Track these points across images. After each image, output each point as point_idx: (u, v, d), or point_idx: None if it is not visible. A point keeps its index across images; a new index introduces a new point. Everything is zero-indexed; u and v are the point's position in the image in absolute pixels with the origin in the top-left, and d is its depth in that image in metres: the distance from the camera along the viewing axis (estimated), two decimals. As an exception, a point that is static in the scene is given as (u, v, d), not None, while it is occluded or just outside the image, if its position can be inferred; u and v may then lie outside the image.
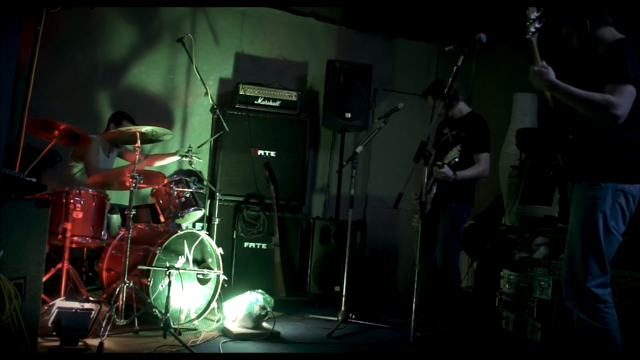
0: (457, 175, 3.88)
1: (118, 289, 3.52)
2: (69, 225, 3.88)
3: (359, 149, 4.35)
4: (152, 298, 3.66)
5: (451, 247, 4.03)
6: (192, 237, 3.96)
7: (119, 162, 5.02)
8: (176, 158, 4.85)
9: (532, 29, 2.72)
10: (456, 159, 3.71)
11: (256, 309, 3.79)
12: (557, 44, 3.05)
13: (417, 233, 4.29)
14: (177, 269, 3.71)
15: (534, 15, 2.71)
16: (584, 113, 2.65)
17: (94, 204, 4.02)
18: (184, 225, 4.19)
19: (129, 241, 3.61)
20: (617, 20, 2.84)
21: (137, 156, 3.73)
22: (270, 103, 5.50)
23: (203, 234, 4.00)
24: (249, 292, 3.91)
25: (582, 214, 2.71)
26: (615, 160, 2.67)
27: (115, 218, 4.56)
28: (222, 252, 4.07)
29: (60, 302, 3.23)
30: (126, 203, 3.79)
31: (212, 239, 4.19)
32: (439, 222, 4.12)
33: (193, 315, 3.88)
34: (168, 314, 3.40)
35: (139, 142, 3.71)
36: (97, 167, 4.53)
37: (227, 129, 4.86)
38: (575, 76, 2.85)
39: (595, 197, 2.66)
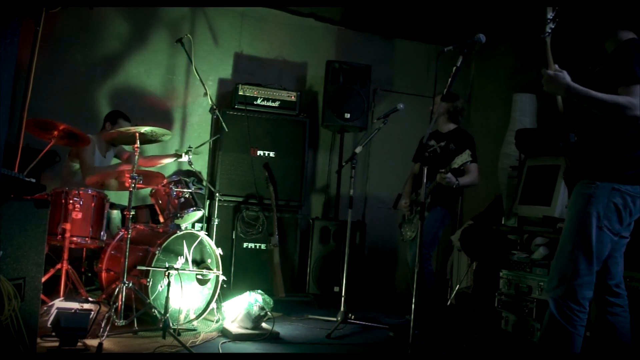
0: (460, 181, 4.10)
1: (117, 289, 3.52)
2: (68, 226, 3.87)
3: (358, 150, 4.36)
4: (151, 298, 3.66)
5: (428, 244, 4.28)
6: (191, 237, 3.95)
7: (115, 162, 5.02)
8: (171, 159, 4.83)
9: (548, 29, 2.73)
10: (468, 162, 3.85)
11: (255, 310, 3.79)
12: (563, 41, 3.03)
13: (408, 241, 4.39)
14: (177, 269, 3.71)
15: (550, 15, 2.72)
16: (602, 114, 2.64)
17: (93, 204, 4.02)
18: (183, 226, 4.18)
19: (128, 241, 3.61)
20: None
21: (137, 157, 3.73)
22: (270, 103, 5.50)
23: (202, 235, 4.00)
24: (248, 292, 3.91)
25: (576, 211, 2.72)
26: (616, 160, 2.67)
27: (116, 214, 4.57)
28: (222, 253, 4.07)
29: (59, 303, 3.23)
30: (126, 203, 3.79)
31: (212, 239, 4.19)
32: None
33: (192, 316, 3.88)
34: (167, 315, 3.40)
35: (138, 142, 3.71)
36: (92, 165, 4.53)
37: (227, 130, 4.86)
38: (580, 72, 2.84)
39: (590, 196, 2.66)
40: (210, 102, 4.75)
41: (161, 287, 3.69)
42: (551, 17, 2.72)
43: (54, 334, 3.15)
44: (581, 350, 2.70)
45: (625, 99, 2.56)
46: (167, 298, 3.45)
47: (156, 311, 3.57)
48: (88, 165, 4.51)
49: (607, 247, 2.69)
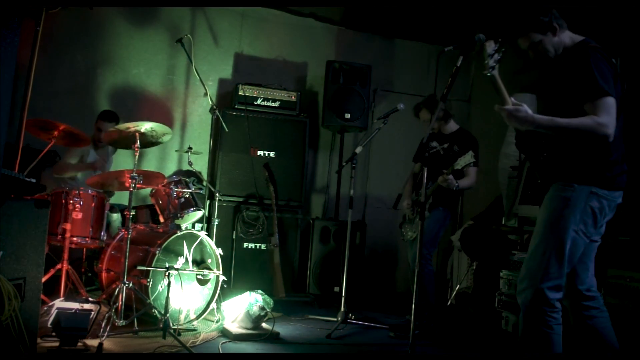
0: (459, 184, 4.09)
1: (117, 289, 3.52)
2: (68, 226, 3.88)
3: (358, 150, 4.36)
4: (151, 299, 3.66)
5: (429, 244, 4.28)
6: (191, 237, 3.95)
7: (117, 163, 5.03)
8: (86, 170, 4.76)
9: (492, 63, 2.59)
10: (471, 164, 3.83)
11: (255, 310, 3.79)
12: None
13: (408, 241, 4.39)
14: (177, 269, 3.71)
15: (491, 49, 2.59)
16: (572, 136, 2.59)
17: (93, 204, 4.02)
18: (183, 226, 4.18)
19: (129, 241, 3.61)
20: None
21: (137, 157, 3.73)
22: (270, 104, 5.50)
23: (202, 235, 4.00)
24: (248, 292, 3.91)
25: (551, 213, 2.65)
26: (594, 164, 2.61)
27: (116, 217, 4.57)
28: (222, 253, 4.07)
29: (59, 303, 3.23)
30: (126, 203, 3.79)
31: (212, 239, 4.19)
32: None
33: (192, 316, 3.88)
34: (167, 315, 3.40)
35: (138, 143, 3.70)
36: (67, 162, 4.62)
37: (227, 130, 4.86)
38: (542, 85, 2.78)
39: (567, 199, 2.60)
40: (210, 102, 4.75)
41: (161, 287, 3.69)
42: (493, 51, 2.57)
43: (54, 334, 3.15)
44: (575, 352, 2.67)
45: (592, 121, 2.49)
46: (167, 298, 3.45)
47: (156, 311, 3.57)
48: (63, 161, 4.61)
49: (579, 250, 2.64)
